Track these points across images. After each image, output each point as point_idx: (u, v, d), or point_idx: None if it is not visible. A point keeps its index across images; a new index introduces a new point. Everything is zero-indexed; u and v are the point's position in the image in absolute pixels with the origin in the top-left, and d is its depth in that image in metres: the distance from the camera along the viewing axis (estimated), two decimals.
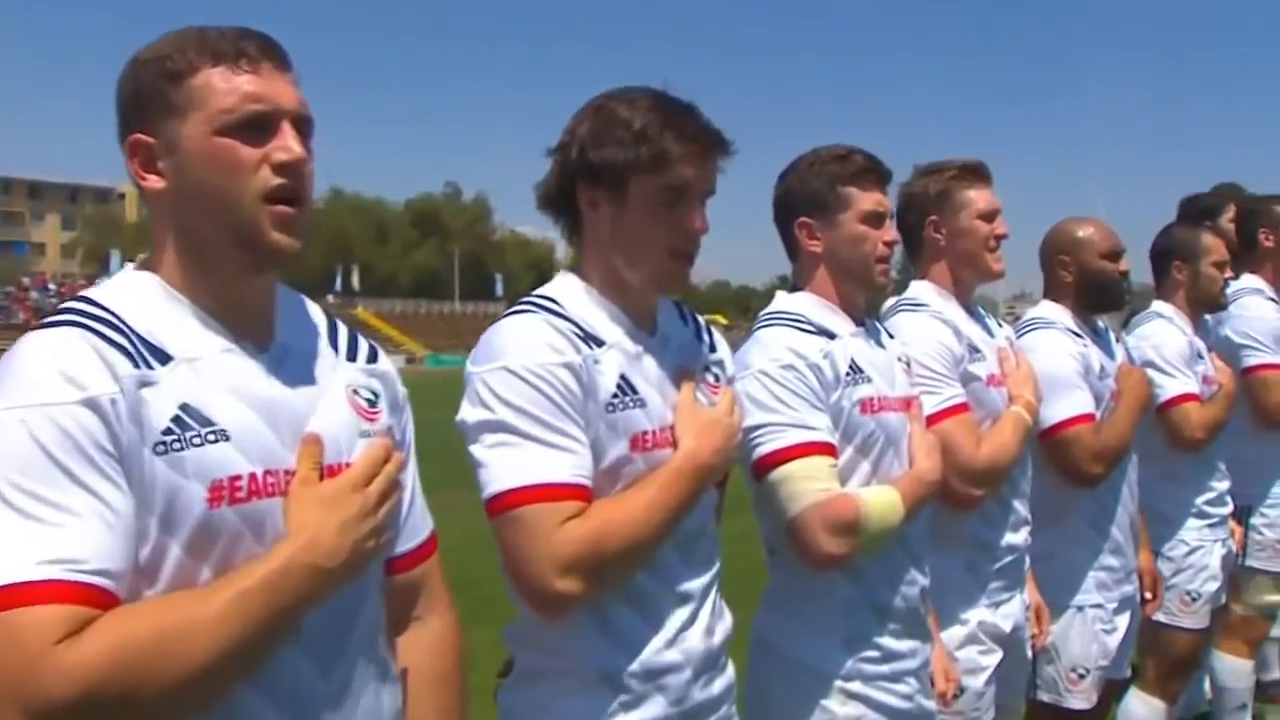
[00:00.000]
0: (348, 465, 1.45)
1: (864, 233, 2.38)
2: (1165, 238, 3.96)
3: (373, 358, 1.60)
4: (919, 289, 2.91)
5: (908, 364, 2.54)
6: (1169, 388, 3.64)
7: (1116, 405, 3.21)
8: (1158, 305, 3.90)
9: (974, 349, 2.79)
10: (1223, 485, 3.79)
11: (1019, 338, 3.22)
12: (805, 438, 2.18)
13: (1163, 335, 3.75)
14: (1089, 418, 3.10)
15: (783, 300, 2.44)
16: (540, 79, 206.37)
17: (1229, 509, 3.83)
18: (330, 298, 77.39)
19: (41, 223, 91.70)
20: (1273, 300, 4.24)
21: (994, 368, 2.83)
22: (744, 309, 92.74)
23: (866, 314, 2.49)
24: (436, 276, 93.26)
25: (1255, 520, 4.16)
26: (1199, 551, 3.70)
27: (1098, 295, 3.28)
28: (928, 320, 2.78)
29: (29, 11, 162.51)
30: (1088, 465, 3.07)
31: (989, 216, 2.85)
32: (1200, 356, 3.76)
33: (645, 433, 1.83)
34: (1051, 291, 3.37)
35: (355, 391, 1.53)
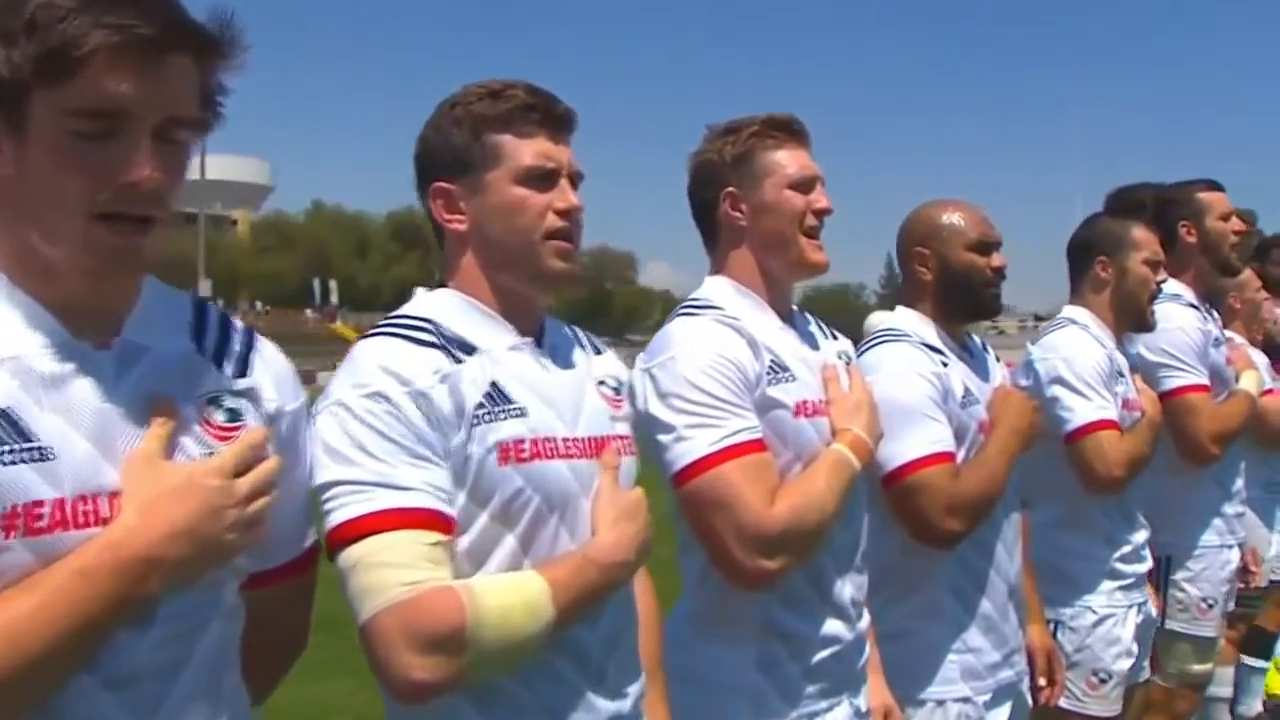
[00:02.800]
0: None
1: (521, 198, 1.66)
2: (1088, 229, 3.27)
3: None
4: (711, 286, 2.19)
5: (616, 389, 1.82)
6: (1081, 412, 2.92)
7: (986, 440, 2.50)
8: (1071, 310, 3.20)
9: (779, 367, 2.07)
10: (1139, 537, 3.07)
11: (861, 354, 2.52)
12: (392, 502, 1.48)
13: (1075, 347, 3.03)
14: (944, 457, 2.38)
15: (416, 301, 1.74)
16: None
17: (1146, 565, 3.11)
18: (309, 311, 76.72)
19: None
20: (1193, 307, 3.53)
21: (810, 392, 2.11)
22: None
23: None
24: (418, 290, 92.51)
25: (1177, 575, 3.48)
26: (1109, 621, 2.98)
27: (962, 298, 2.58)
28: (709, 328, 2.05)
29: None
30: (940, 519, 2.35)
31: (804, 185, 2.13)
32: (1121, 375, 3.05)
33: (38, 504, 1.13)
34: (908, 294, 2.66)
35: None
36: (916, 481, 2.35)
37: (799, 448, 2.04)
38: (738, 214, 2.15)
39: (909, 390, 2.41)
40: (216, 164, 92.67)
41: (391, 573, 1.44)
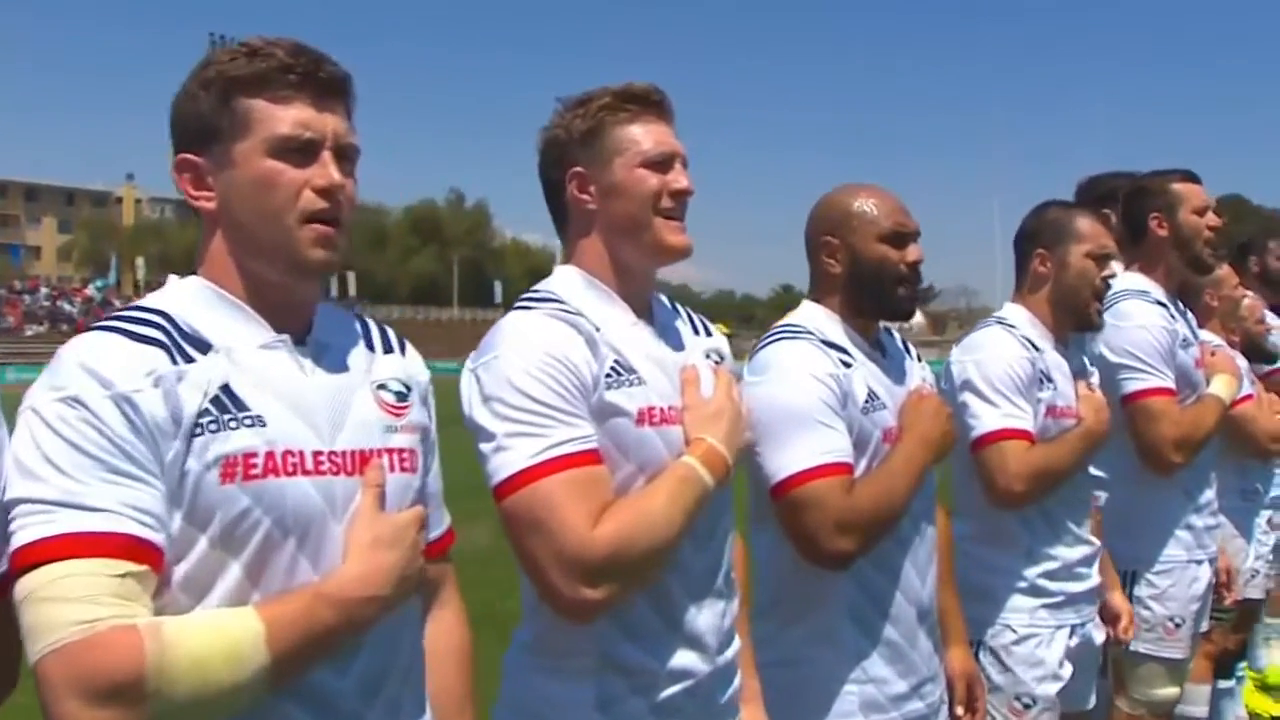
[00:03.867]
0: None
1: (273, 172, 1.43)
2: (1032, 219, 2.98)
3: None
4: (556, 276, 1.95)
5: (401, 395, 1.58)
6: (985, 419, 2.67)
7: (891, 450, 2.26)
8: (1007, 308, 2.94)
9: (623, 368, 1.82)
10: (1073, 553, 2.80)
11: (756, 352, 2.29)
12: (75, 526, 1.26)
13: (991, 349, 2.77)
14: (836, 469, 2.14)
15: (162, 290, 1.50)
16: (545, 86, 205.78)
17: (1086, 584, 2.84)
18: None
19: (38, 226, 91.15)
20: (1160, 304, 3.25)
21: (662, 397, 1.86)
22: (747, 318, 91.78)
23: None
24: (435, 283, 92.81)
25: (1140, 591, 3.21)
26: (1030, 641, 2.72)
27: (872, 294, 2.32)
28: (540, 323, 1.81)
29: (25, 16, 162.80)
30: (828, 538, 2.11)
31: (660, 163, 1.88)
32: (1046, 380, 2.77)
33: None
34: (816, 288, 2.41)
35: None
36: (804, 495, 2.11)
37: (642, 460, 1.80)
38: (586, 196, 1.90)
39: (800, 393, 2.17)
40: None
41: (65, 609, 1.22)
